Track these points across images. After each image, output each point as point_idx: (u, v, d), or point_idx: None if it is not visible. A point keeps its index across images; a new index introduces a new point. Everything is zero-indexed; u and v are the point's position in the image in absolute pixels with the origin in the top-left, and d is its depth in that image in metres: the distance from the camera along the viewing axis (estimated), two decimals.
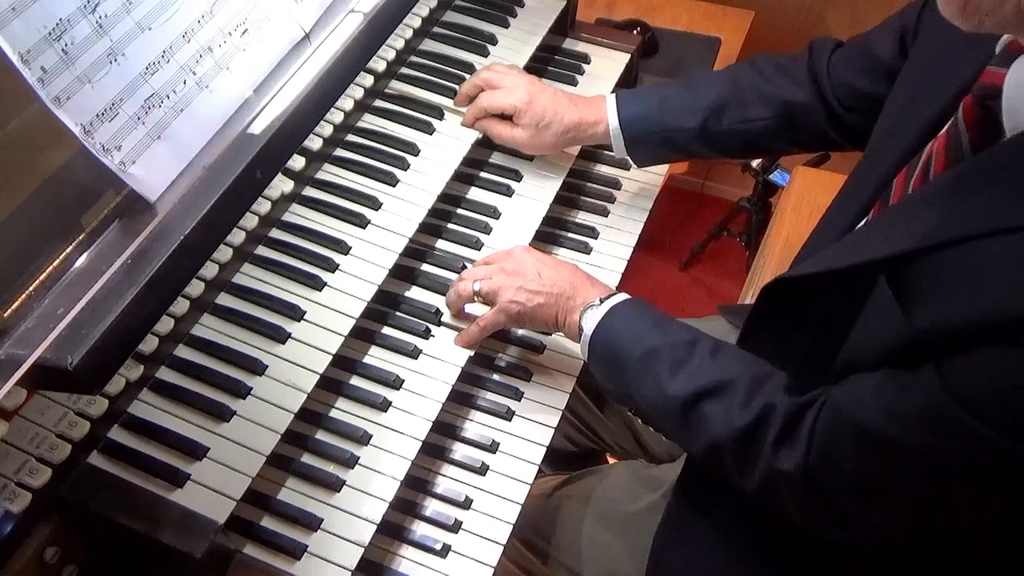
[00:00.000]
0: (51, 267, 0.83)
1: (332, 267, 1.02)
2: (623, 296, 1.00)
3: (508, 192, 1.21)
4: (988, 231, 0.65)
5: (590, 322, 0.98)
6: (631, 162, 1.23)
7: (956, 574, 0.87)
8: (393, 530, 0.95)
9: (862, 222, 0.91)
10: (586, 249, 1.23)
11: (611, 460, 1.60)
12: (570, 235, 1.25)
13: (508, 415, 1.05)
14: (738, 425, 0.84)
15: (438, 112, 1.20)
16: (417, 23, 1.23)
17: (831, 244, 0.89)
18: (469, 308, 1.07)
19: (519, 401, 1.07)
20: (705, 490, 1.00)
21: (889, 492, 0.76)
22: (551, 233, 1.25)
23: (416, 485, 0.99)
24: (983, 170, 0.72)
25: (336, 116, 1.10)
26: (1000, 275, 0.64)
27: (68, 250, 0.84)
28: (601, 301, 0.99)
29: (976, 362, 0.65)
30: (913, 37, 1.02)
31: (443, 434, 1.03)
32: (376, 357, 1.03)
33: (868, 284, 0.76)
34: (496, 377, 1.09)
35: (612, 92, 1.21)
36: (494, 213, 1.18)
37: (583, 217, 1.28)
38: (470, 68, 1.25)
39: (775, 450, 0.82)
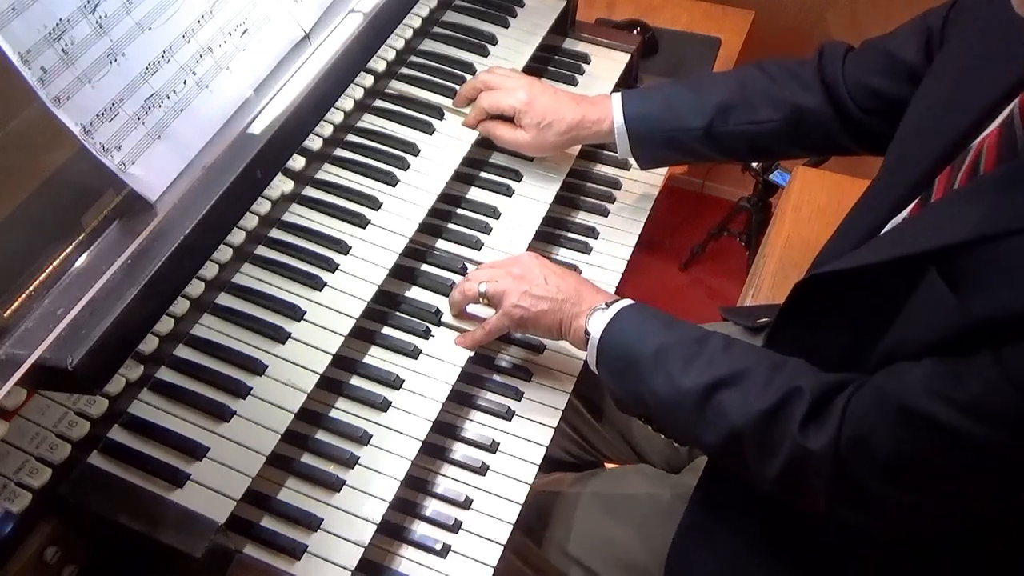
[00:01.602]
0: (51, 267, 0.83)
1: (332, 267, 1.02)
2: (629, 301, 1.00)
3: (508, 192, 1.21)
4: None
5: (598, 325, 0.98)
6: (633, 163, 1.23)
7: (975, 569, 0.87)
8: (393, 530, 0.95)
9: (896, 219, 0.90)
10: (586, 249, 1.23)
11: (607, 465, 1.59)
12: (570, 235, 1.25)
13: (508, 415, 1.05)
14: (759, 408, 0.84)
15: (438, 112, 1.20)
16: (417, 23, 1.23)
17: (858, 244, 0.88)
18: (472, 309, 1.07)
19: (519, 401, 1.07)
20: (725, 496, 1.00)
21: (927, 477, 0.76)
22: (551, 233, 1.25)
23: (416, 485, 0.99)
24: None
25: (336, 116, 1.10)
26: None
27: (68, 250, 0.84)
28: (607, 306, 0.99)
29: None
30: (940, 40, 1.02)
31: (443, 434, 1.03)
32: (376, 357, 1.03)
33: (914, 277, 0.76)
34: (496, 377, 1.09)
35: (614, 91, 1.20)
36: (494, 213, 1.18)
37: (583, 217, 1.28)
38: (470, 68, 1.25)
39: (803, 430, 0.81)
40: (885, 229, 0.89)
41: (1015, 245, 0.68)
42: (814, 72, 1.12)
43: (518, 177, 1.23)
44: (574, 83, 1.35)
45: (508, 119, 1.18)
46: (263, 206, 1.00)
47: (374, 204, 1.08)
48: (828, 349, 0.89)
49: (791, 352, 0.91)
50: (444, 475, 1.01)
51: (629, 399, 0.98)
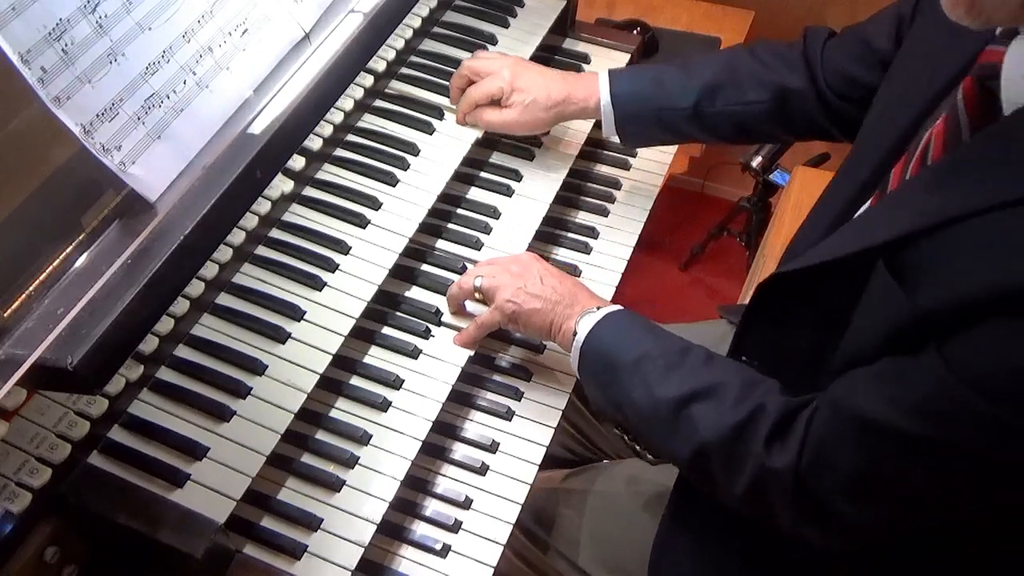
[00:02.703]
0: (51, 267, 0.83)
1: (332, 267, 1.02)
2: (619, 307, 1.01)
3: (508, 192, 1.21)
4: (985, 207, 0.66)
5: (584, 327, 0.98)
6: (633, 163, 1.23)
7: (947, 571, 0.86)
8: (393, 530, 0.95)
9: (859, 211, 0.90)
10: (586, 249, 1.23)
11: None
12: (570, 235, 1.25)
13: (508, 415, 1.05)
14: (728, 424, 0.84)
15: (438, 112, 1.20)
16: (417, 23, 1.23)
17: (822, 237, 0.88)
18: (469, 307, 1.07)
19: (519, 401, 1.07)
20: (699, 498, 0.99)
21: (885, 487, 0.75)
22: (551, 233, 1.25)
23: (416, 485, 0.99)
24: (980, 149, 0.72)
25: (336, 116, 1.10)
26: (999, 249, 0.64)
27: (68, 250, 0.84)
28: (598, 309, 0.99)
29: (979, 339, 0.65)
30: (909, 26, 1.02)
31: (443, 434, 1.03)
32: (376, 357, 1.03)
33: (867, 272, 0.76)
34: (496, 377, 1.09)
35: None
36: (494, 213, 1.18)
37: (583, 217, 1.28)
38: None
39: (767, 448, 0.81)
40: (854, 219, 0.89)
41: (952, 235, 0.68)
42: (799, 55, 1.14)
43: (518, 177, 1.23)
44: None
45: (497, 103, 1.18)
46: (263, 206, 1.00)
47: (374, 204, 1.08)
48: (795, 348, 0.89)
49: (760, 351, 0.91)
50: (444, 475, 1.01)
51: (608, 405, 0.98)
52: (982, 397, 0.65)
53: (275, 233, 1.04)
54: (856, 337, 0.79)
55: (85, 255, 0.84)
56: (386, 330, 1.05)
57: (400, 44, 1.19)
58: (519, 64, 1.19)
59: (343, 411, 0.98)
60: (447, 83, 1.22)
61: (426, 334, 1.05)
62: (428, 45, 1.28)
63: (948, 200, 0.70)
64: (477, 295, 1.04)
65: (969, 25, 0.67)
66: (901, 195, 0.81)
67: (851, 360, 0.78)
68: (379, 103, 1.19)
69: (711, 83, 1.13)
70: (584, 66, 1.38)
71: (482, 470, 1.01)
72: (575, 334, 0.98)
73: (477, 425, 1.05)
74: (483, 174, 1.23)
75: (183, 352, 0.94)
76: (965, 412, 0.67)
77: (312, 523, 0.89)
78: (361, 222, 1.06)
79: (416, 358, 1.03)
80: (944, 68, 0.83)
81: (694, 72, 1.15)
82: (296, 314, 0.97)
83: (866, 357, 0.76)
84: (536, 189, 1.22)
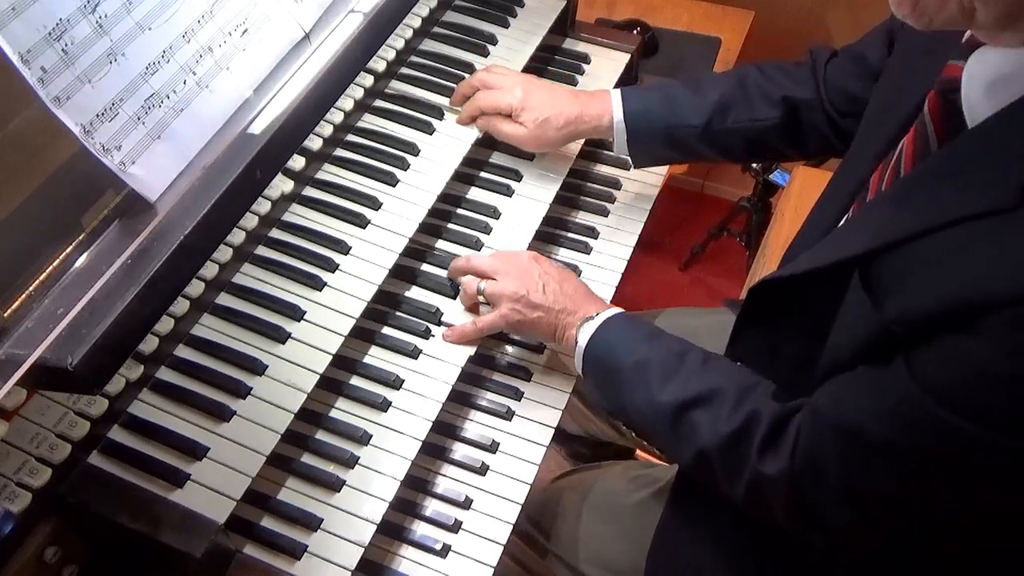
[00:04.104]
0: (51, 267, 0.83)
1: (332, 267, 1.02)
2: (618, 310, 1.01)
3: (508, 192, 1.21)
4: (944, 223, 0.67)
5: (585, 334, 0.99)
6: (630, 160, 1.23)
7: (937, 569, 0.87)
8: (393, 530, 0.96)
9: (843, 221, 0.92)
10: (586, 249, 1.23)
11: (639, 452, 1.60)
12: (570, 235, 1.25)
13: (508, 415, 1.05)
14: (725, 432, 0.85)
15: (438, 112, 1.20)
16: (417, 23, 1.23)
17: (814, 244, 0.90)
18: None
19: (519, 401, 1.07)
20: (703, 489, 1.00)
21: (869, 492, 0.76)
22: (551, 233, 1.25)
23: (416, 485, 0.99)
24: (944, 164, 0.73)
25: (336, 116, 1.10)
26: (956, 264, 0.65)
27: (68, 250, 0.84)
28: (598, 315, 1.00)
29: (939, 351, 0.66)
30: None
31: (443, 434, 1.03)
32: (376, 357, 1.03)
33: (846, 283, 0.77)
34: (496, 377, 1.09)
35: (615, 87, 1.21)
36: (494, 213, 1.18)
37: (583, 217, 1.28)
38: (470, 68, 1.25)
39: (760, 456, 0.82)
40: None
41: (915, 249, 0.69)
42: (808, 70, 1.15)
43: (518, 177, 1.23)
44: (574, 83, 1.35)
45: (507, 117, 1.18)
46: (263, 206, 1.00)
47: (374, 204, 1.08)
48: (786, 354, 0.90)
49: (752, 354, 0.92)
50: (444, 475, 1.01)
51: (613, 407, 1.00)
52: (944, 407, 0.66)
53: (275, 233, 1.04)
54: (835, 346, 0.80)
55: (85, 255, 0.84)
56: (386, 330, 1.05)
57: (400, 44, 1.19)
58: (531, 82, 1.19)
59: (343, 411, 0.98)
60: (447, 83, 1.22)
61: (426, 334, 1.05)
62: (428, 45, 1.28)
63: (911, 215, 0.71)
64: (480, 298, 1.04)
65: (914, 24, 0.69)
66: (872, 207, 0.83)
67: (833, 368, 0.79)
68: (379, 103, 1.19)
69: (722, 100, 1.14)
70: (584, 66, 1.38)
71: (482, 470, 1.01)
72: (577, 342, 0.99)
73: (477, 425, 1.05)
74: (483, 174, 1.23)
75: (183, 352, 0.94)
76: (932, 423, 0.68)
77: (312, 523, 0.89)
78: (361, 222, 1.06)
79: (416, 358, 1.03)
80: (918, 80, 0.84)
81: (704, 90, 1.16)
82: (296, 314, 0.97)
83: (845, 366, 0.77)
84: (536, 189, 1.22)
